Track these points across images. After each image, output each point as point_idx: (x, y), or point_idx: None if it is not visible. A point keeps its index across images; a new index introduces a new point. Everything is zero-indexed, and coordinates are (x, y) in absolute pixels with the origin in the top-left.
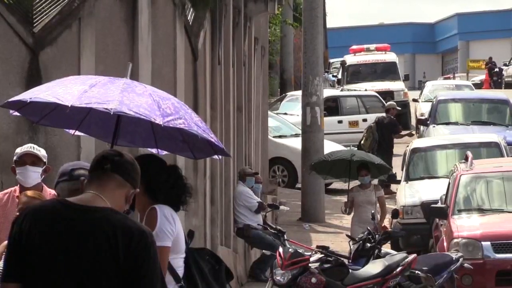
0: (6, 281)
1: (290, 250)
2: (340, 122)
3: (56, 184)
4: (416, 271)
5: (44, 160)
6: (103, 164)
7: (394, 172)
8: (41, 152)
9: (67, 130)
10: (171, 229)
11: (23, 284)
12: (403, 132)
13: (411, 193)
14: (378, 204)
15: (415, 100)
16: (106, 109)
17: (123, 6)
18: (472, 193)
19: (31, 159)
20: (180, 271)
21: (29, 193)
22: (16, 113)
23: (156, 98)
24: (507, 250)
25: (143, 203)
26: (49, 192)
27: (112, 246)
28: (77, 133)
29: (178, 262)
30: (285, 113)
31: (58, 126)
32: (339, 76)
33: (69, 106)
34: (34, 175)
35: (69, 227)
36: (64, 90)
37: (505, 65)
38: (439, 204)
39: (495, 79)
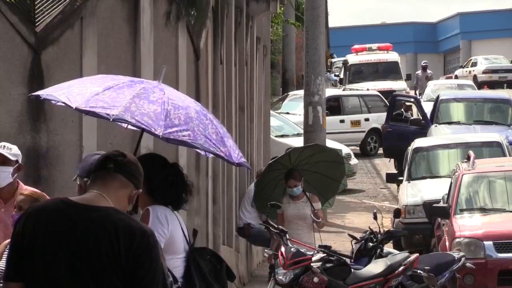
0: (9, 280)
1: (292, 249)
2: (342, 121)
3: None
4: (418, 271)
5: (15, 159)
6: (107, 164)
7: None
8: (12, 151)
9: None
10: (162, 230)
11: (26, 284)
12: None
13: (413, 193)
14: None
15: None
16: (108, 114)
17: (125, 6)
18: (474, 193)
19: (0, 159)
20: (178, 271)
21: (26, 192)
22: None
23: (168, 107)
24: (509, 249)
25: (145, 203)
26: (25, 189)
27: (114, 246)
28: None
29: (175, 263)
30: (287, 113)
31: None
32: (341, 76)
33: (73, 108)
34: (3, 174)
35: (72, 226)
36: (79, 90)
37: (461, 67)
38: (441, 204)
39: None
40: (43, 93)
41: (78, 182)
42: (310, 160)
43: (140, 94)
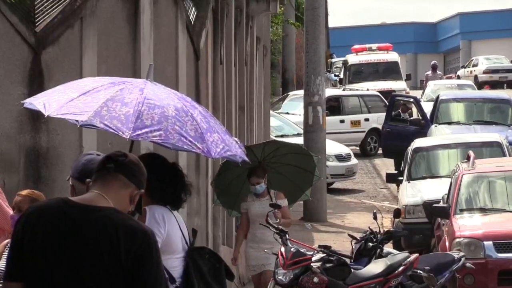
0: (9, 280)
1: (292, 249)
2: (342, 121)
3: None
4: (418, 271)
5: None
6: (107, 164)
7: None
8: None
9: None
10: (159, 230)
11: (26, 284)
12: None
13: (413, 193)
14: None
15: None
16: (76, 121)
17: (125, 6)
18: (474, 193)
19: None
20: (176, 271)
21: (23, 192)
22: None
23: (142, 108)
24: (509, 249)
25: (145, 203)
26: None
27: (114, 246)
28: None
29: (173, 262)
30: (287, 113)
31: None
32: (341, 76)
33: (45, 115)
34: None
35: (72, 226)
36: (58, 97)
37: (463, 67)
38: (441, 204)
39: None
40: (27, 101)
41: (71, 183)
42: (276, 153)
43: (115, 96)
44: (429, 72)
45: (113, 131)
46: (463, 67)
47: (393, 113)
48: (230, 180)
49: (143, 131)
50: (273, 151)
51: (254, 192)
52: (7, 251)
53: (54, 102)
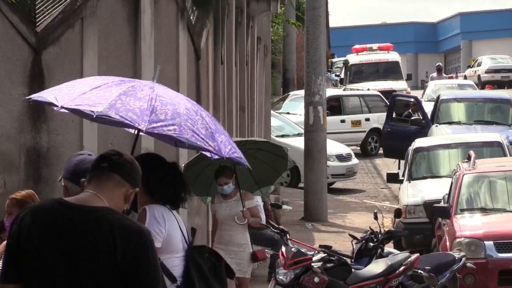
0: (5, 281)
1: (292, 249)
2: (343, 121)
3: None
4: (419, 271)
5: None
6: (100, 163)
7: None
8: None
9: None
10: (159, 229)
11: (22, 284)
12: None
13: (413, 193)
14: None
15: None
16: (92, 111)
17: (125, 6)
18: (474, 193)
19: None
20: (176, 270)
21: (11, 196)
22: (63, 110)
23: (155, 104)
24: (509, 249)
25: (143, 202)
26: None
27: (111, 246)
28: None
29: (173, 262)
30: (288, 113)
31: (118, 125)
32: (342, 76)
33: (59, 106)
34: None
35: (68, 227)
36: (68, 90)
37: (468, 66)
38: (441, 204)
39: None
40: (35, 96)
41: (63, 184)
42: (246, 143)
43: (128, 91)
44: (434, 74)
45: (129, 122)
46: (469, 66)
47: (404, 113)
48: (200, 170)
49: (158, 124)
50: (241, 143)
51: (222, 193)
52: None
53: (66, 95)
